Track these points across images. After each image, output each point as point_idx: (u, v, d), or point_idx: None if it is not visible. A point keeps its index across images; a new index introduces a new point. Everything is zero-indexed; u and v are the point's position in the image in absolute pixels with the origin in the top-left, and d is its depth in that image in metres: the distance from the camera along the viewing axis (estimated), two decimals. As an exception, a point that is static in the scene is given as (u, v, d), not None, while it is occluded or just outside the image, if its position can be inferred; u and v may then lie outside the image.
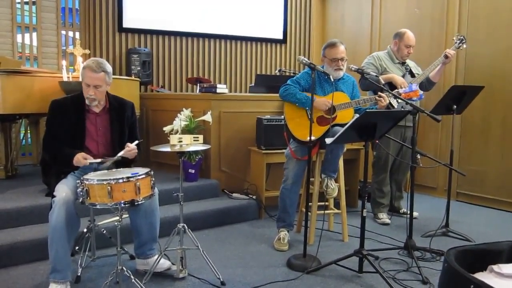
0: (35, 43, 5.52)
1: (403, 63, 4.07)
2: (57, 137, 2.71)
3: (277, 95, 3.46)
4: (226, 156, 4.54)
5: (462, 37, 3.95)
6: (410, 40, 3.98)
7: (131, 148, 2.72)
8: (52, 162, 2.77)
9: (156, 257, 2.82)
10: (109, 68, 2.75)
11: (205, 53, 6.50)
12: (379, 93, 3.27)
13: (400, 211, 4.33)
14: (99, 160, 2.67)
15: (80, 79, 2.75)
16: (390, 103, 3.34)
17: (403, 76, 3.92)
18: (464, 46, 3.96)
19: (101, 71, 2.68)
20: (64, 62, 4.06)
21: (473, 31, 4.76)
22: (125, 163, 2.78)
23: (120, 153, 2.69)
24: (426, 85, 4.07)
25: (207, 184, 4.35)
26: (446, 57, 3.88)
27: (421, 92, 3.29)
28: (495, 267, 2.00)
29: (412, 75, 4.03)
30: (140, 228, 2.79)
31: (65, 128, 2.71)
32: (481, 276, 1.99)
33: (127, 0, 5.92)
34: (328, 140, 2.88)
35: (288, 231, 3.52)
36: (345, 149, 3.52)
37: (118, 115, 2.87)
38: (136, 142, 2.78)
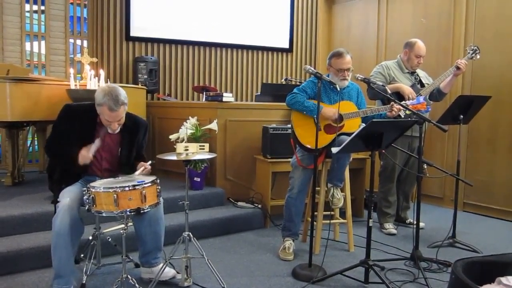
0: (43, 51, 5.57)
1: (413, 73, 4.06)
2: (61, 142, 2.67)
3: (283, 104, 3.46)
4: (232, 165, 4.54)
5: (475, 48, 3.91)
6: (420, 50, 3.97)
7: (148, 170, 2.73)
8: (54, 162, 2.75)
9: (161, 265, 2.81)
10: (124, 96, 2.59)
11: (211, 61, 6.53)
12: (392, 103, 3.28)
13: (406, 221, 4.30)
14: (97, 141, 2.62)
15: (98, 112, 2.62)
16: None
17: (412, 86, 3.90)
18: (478, 56, 3.91)
19: (120, 105, 2.55)
20: (71, 70, 4.10)
21: (479, 40, 4.75)
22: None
23: (137, 173, 2.69)
24: (437, 95, 4.05)
25: (212, 192, 4.35)
26: (458, 68, 3.84)
27: (429, 105, 3.28)
28: (503, 279, 1.98)
29: (422, 85, 4.02)
30: (144, 237, 2.79)
31: (72, 136, 2.66)
32: (489, 288, 1.97)
33: (135, 9, 5.97)
34: (334, 150, 2.87)
35: (293, 241, 3.50)
36: (351, 158, 3.51)
37: (130, 136, 2.81)
38: (150, 162, 2.77)
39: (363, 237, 3.10)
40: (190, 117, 4.32)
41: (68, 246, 2.48)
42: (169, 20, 6.18)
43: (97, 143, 2.64)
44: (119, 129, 2.70)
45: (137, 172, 2.70)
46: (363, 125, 3.20)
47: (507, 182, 4.60)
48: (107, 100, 2.52)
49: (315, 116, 3.25)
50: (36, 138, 5.30)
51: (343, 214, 3.73)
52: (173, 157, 2.71)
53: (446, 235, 3.72)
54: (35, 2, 5.48)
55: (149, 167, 2.75)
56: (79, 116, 2.70)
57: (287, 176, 3.57)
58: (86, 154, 2.57)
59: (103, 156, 2.79)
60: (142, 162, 2.77)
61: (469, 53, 3.93)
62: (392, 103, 3.30)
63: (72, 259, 2.56)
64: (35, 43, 5.53)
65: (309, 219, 3.27)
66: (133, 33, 5.97)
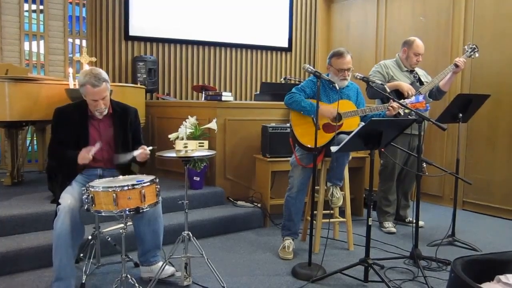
0: (42, 50, 5.56)
1: (411, 71, 4.05)
2: (61, 144, 2.72)
3: (283, 103, 3.46)
4: (231, 164, 4.54)
5: (474, 46, 3.90)
6: (419, 48, 3.97)
7: (146, 150, 2.73)
8: (58, 168, 2.78)
9: (160, 264, 2.82)
10: (105, 74, 2.70)
11: (210, 61, 6.52)
12: (390, 102, 3.27)
13: (406, 220, 4.30)
14: (98, 144, 2.64)
15: (83, 96, 2.71)
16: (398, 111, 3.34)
17: (411, 84, 3.89)
18: (477, 55, 3.90)
19: (102, 82, 2.63)
20: (70, 70, 4.08)
21: (478, 39, 4.75)
22: (126, 169, 2.79)
23: (135, 153, 2.70)
24: (436, 94, 4.04)
25: (212, 191, 4.35)
26: (456, 65, 3.84)
27: (428, 104, 3.27)
28: (502, 277, 1.99)
29: (421, 83, 4.02)
30: (143, 235, 2.79)
31: (69, 134, 2.72)
32: (488, 286, 1.98)
33: (134, 8, 5.97)
34: (333, 148, 2.87)
35: (293, 240, 3.51)
36: (350, 157, 3.51)
37: (121, 120, 2.86)
38: (150, 147, 2.78)
39: (363, 236, 3.11)
40: (189, 117, 4.32)
41: (68, 249, 2.49)
42: (168, 19, 6.17)
43: (97, 145, 2.66)
44: (106, 111, 2.75)
45: (135, 152, 2.70)
46: (363, 124, 3.20)
47: (506, 180, 4.61)
48: (89, 78, 2.61)
49: (312, 116, 3.26)
50: (35, 138, 5.29)
51: (342, 213, 3.73)
52: (172, 155, 2.70)
53: (445, 233, 3.72)
54: (34, 2, 5.47)
55: (148, 151, 2.75)
56: (70, 114, 2.75)
57: (287, 175, 3.57)
58: (86, 155, 2.60)
59: (103, 147, 2.80)
60: (143, 145, 2.78)
61: (467, 51, 3.92)
62: (390, 101, 3.30)
63: (73, 261, 2.56)
64: (34, 43, 5.52)
65: (309, 218, 3.27)
66: (132, 32, 5.97)
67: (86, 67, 4.18)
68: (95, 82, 2.61)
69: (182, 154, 2.70)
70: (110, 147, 2.84)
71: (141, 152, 2.72)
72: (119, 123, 2.86)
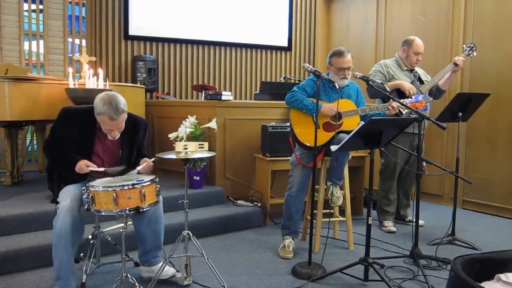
0: (42, 50, 5.57)
1: (411, 70, 4.05)
2: (60, 145, 2.66)
3: (283, 102, 3.46)
4: (231, 163, 4.54)
5: (472, 45, 3.91)
6: (419, 47, 3.97)
7: (149, 163, 2.71)
8: (53, 164, 2.74)
9: (160, 264, 2.82)
10: (124, 103, 2.56)
11: (210, 60, 6.53)
12: (391, 101, 3.27)
13: (406, 219, 4.30)
14: (102, 169, 2.62)
15: (98, 120, 2.60)
16: (399, 110, 3.34)
17: (411, 83, 3.90)
18: (475, 53, 3.92)
19: (120, 114, 2.54)
20: (70, 69, 4.08)
21: (478, 38, 4.75)
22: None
23: (139, 168, 2.69)
24: (436, 93, 4.05)
25: (212, 191, 4.35)
26: (456, 64, 3.84)
27: (428, 103, 3.27)
28: (502, 276, 1.99)
29: (421, 82, 4.02)
30: (144, 236, 2.79)
31: (71, 140, 2.65)
32: (488, 285, 1.98)
33: (133, 7, 5.97)
34: (333, 148, 2.88)
35: (293, 239, 3.51)
36: (350, 156, 3.51)
37: (131, 137, 2.80)
38: (153, 159, 2.75)
39: (363, 235, 3.10)
40: (189, 116, 4.32)
41: (68, 248, 2.48)
42: (167, 19, 6.17)
43: (101, 169, 2.62)
44: (119, 135, 2.69)
45: (139, 167, 2.70)
46: (363, 123, 3.21)
47: (506, 179, 4.61)
48: (107, 109, 2.51)
49: (314, 114, 3.26)
50: (35, 138, 5.30)
51: (342, 212, 3.73)
52: (172, 156, 2.70)
53: (445, 232, 3.72)
54: (34, 1, 5.47)
55: (152, 163, 2.74)
56: (78, 121, 2.68)
57: (287, 174, 3.57)
58: (84, 168, 2.56)
59: (105, 159, 2.77)
60: (146, 158, 2.77)
61: (466, 50, 3.93)
62: (390, 100, 3.30)
63: (72, 260, 2.55)
64: (34, 42, 5.52)
65: (309, 217, 3.27)
66: (132, 32, 5.97)
67: (86, 67, 4.18)
68: (114, 115, 2.51)
69: (182, 156, 2.70)
70: (112, 160, 2.79)
71: (144, 166, 2.71)
72: (128, 139, 2.79)
